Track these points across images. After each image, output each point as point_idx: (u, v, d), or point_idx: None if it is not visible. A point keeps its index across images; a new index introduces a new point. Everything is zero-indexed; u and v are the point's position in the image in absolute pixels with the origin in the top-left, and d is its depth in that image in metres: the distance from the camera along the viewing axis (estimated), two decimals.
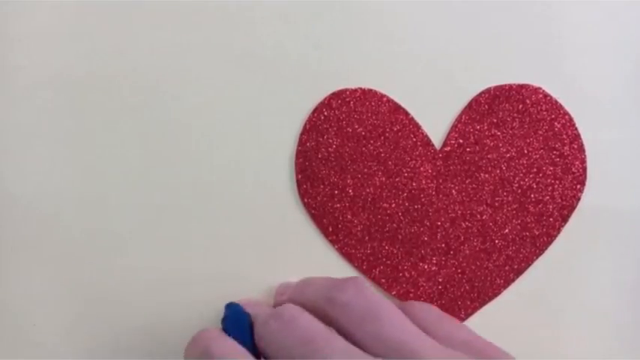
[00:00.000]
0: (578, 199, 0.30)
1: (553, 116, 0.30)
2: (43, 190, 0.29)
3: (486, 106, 0.30)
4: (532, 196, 0.30)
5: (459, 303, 0.29)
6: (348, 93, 0.30)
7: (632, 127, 0.31)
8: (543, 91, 0.30)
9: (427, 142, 0.30)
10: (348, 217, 0.29)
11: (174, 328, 0.29)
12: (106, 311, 0.29)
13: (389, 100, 0.30)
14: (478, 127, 0.30)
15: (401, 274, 0.29)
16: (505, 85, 0.30)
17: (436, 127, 0.30)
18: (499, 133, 0.30)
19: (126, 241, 0.29)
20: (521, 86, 0.30)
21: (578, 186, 0.30)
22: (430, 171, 0.30)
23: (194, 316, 0.29)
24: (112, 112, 0.29)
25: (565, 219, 0.30)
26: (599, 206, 0.30)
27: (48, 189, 0.29)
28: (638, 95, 0.31)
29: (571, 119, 0.30)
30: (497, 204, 0.30)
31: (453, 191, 0.30)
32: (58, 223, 0.29)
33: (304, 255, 0.30)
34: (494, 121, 0.30)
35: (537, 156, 0.30)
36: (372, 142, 0.30)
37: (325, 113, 0.30)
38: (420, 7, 0.31)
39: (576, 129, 0.30)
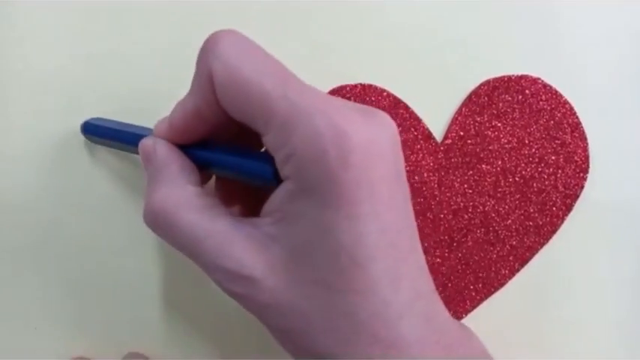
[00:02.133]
0: (582, 187, 0.29)
1: (553, 105, 0.30)
2: (42, 191, 0.29)
3: (486, 98, 0.30)
4: (535, 185, 0.30)
5: (464, 294, 0.29)
6: (348, 89, 0.30)
7: (633, 114, 0.31)
8: (542, 81, 0.30)
9: (428, 136, 0.30)
10: None
11: (176, 328, 0.29)
12: (105, 312, 0.29)
13: (389, 95, 0.30)
14: (478, 119, 0.30)
15: None
16: (504, 77, 0.30)
17: (437, 120, 0.30)
18: (499, 125, 0.30)
19: (126, 242, 0.29)
20: (521, 77, 0.30)
21: (581, 174, 0.30)
22: (432, 164, 0.30)
23: (198, 316, 0.29)
24: (110, 113, 0.29)
25: (569, 208, 0.30)
26: (604, 194, 0.30)
27: (48, 190, 0.29)
28: (638, 82, 0.31)
29: (571, 108, 0.30)
30: (499, 195, 0.30)
31: (455, 183, 0.30)
32: (58, 226, 0.29)
33: None
34: (495, 112, 0.30)
35: (539, 146, 0.30)
36: None
37: None
38: (418, 1, 0.31)
39: (577, 117, 0.30)
